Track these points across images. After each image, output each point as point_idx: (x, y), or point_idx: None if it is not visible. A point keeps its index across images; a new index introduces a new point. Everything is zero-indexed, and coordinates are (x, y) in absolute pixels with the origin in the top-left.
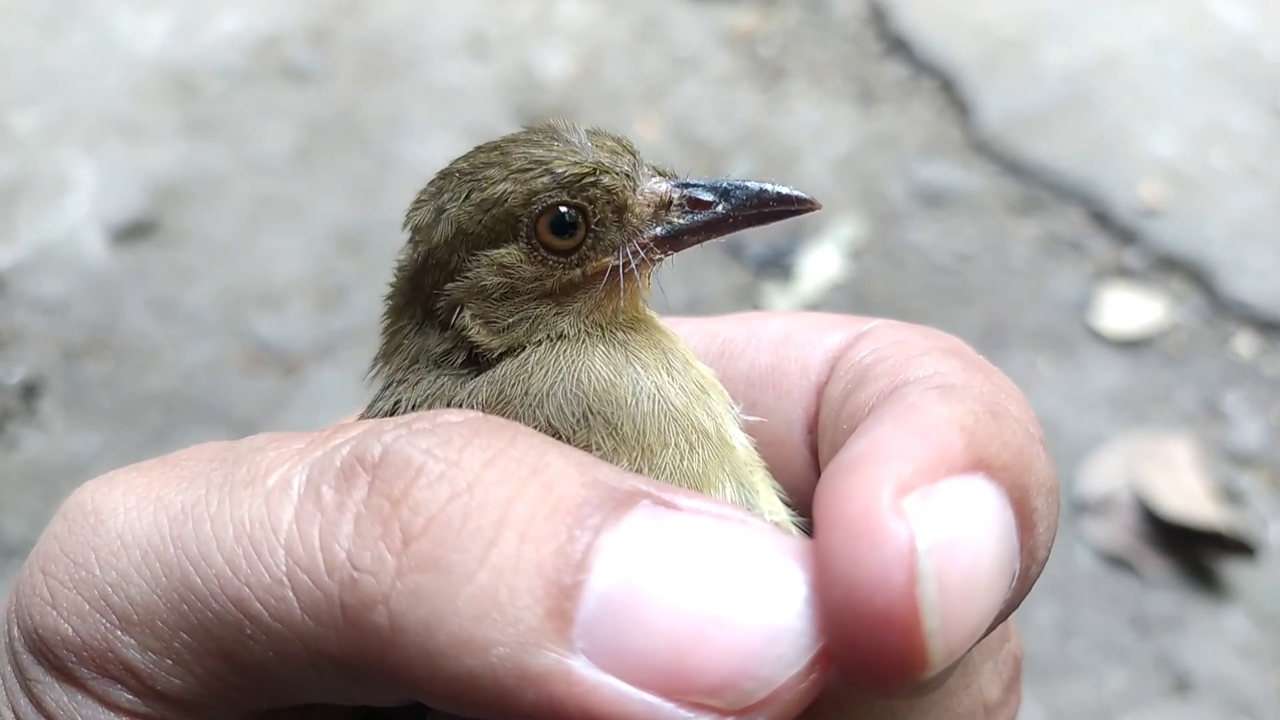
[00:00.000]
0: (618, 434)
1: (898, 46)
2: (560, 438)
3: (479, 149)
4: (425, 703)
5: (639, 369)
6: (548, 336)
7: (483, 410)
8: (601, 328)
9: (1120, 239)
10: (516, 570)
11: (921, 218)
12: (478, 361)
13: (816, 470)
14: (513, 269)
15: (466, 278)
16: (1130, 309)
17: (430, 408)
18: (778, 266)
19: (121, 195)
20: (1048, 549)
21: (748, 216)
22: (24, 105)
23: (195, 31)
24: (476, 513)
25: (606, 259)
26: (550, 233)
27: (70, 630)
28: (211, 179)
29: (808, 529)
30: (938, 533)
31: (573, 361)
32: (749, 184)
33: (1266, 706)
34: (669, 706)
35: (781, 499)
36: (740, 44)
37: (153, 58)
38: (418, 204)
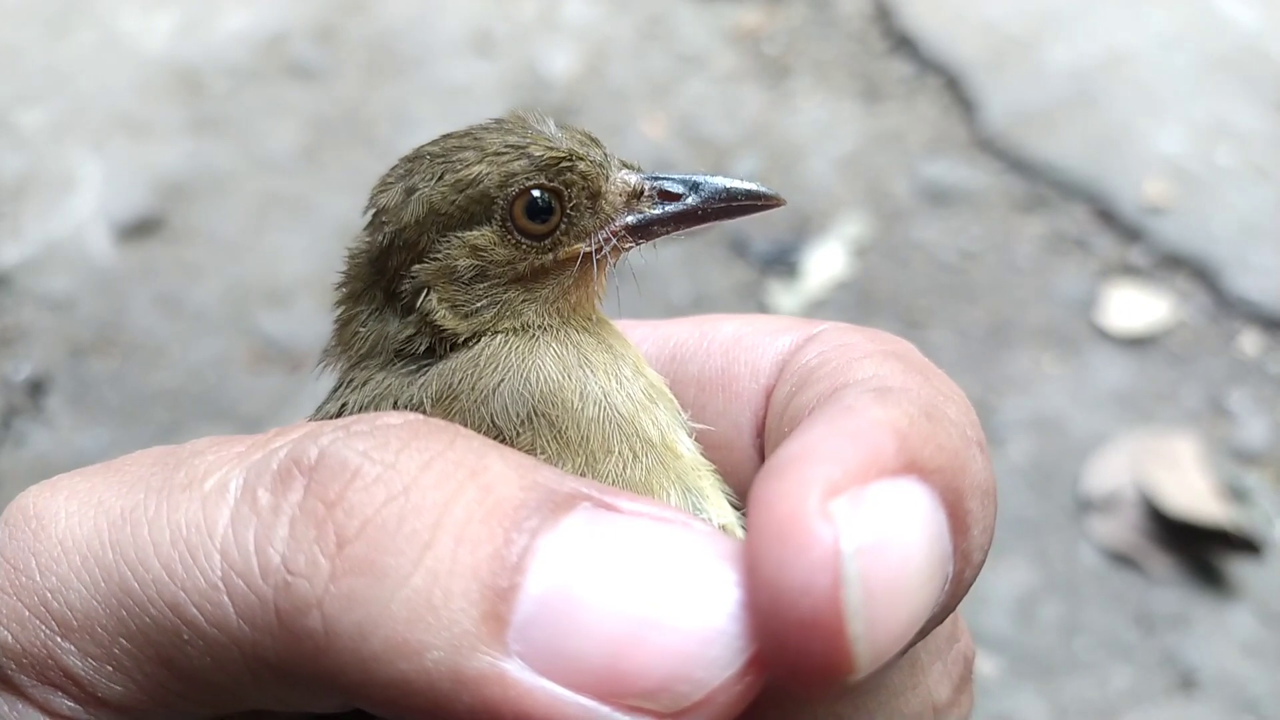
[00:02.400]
0: (561, 438)
1: (903, 44)
2: (504, 437)
3: (447, 135)
4: (362, 707)
5: (588, 372)
6: (511, 327)
7: (431, 404)
8: (562, 321)
9: (1125, 237)
10: (451, 573)
11: (926, 215)
12: (435, 350)
13: None
14: (485, 251)
15: (435, 259)
16: (1135, 307)
17: (377, 409)
18: (783, 264)
19: (128, 193)
20: (984, 551)
21: (716, 210)
22: (31, 103)
23: (201, 29)
24: (412, 515)
25: (579, 245)
26: (525, 216)
27: (9, 637)
28: (218, 177)
29: None
30: (864, 536)
31: (523, 359)
32: (716, 178)
33: (1271, 704)
34: (604, 710)
35: (731, 502)
36: (745, 42)
37: (159, 56)
38: (384, 186)
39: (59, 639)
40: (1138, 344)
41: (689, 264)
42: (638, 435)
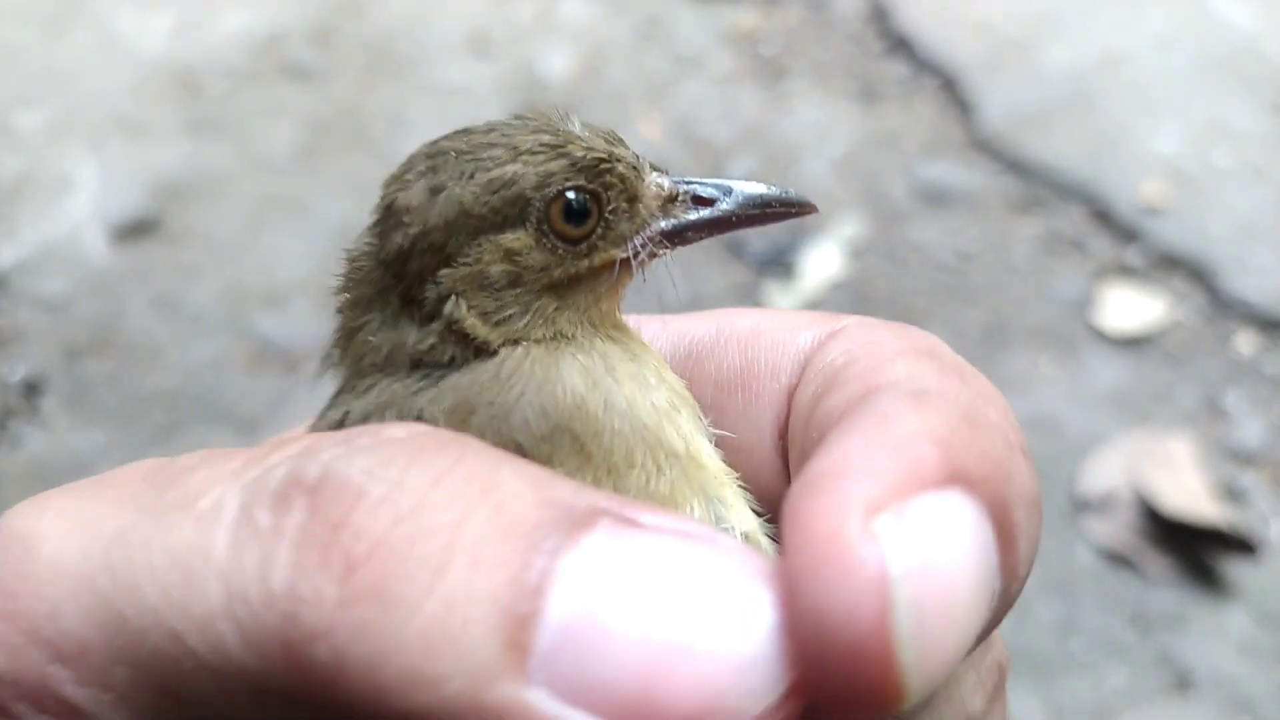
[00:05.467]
0: (583, 452)
1: (899, 45)
2: (524, 452)
3: (468, 131)
4: None
5: (613, 383)
6: (542, 335)
7: (445, 418)
8: (592, 329)
9: (1122, 237)
10: (468, 599)
11: (923, 216)
12: (455, 359)
13: (787, 477)
14: (520, 256)
15: (465, 264)
16: (1132, 307)
17: (382, 417)
18: (779, 265)
19: (124, 194)
20: (1029, 565)
21: (750, 216)
22: (27, 104)
23: (198, 31)
24: (423, 538)
25: (614, 250)
26: (562, 218)
27: (3, 663)
28: (214, 178)
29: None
30: (911, 556)
31: (547, 371)
32: (749, 184)
33: (1267, 704)
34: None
35: (753, 509)
36: (742, 43)
37: (156, 57)
38: (401, 183)
39: (55, 667)
40: (1134, 344)
41: (684, 264)
42: (662, 447)
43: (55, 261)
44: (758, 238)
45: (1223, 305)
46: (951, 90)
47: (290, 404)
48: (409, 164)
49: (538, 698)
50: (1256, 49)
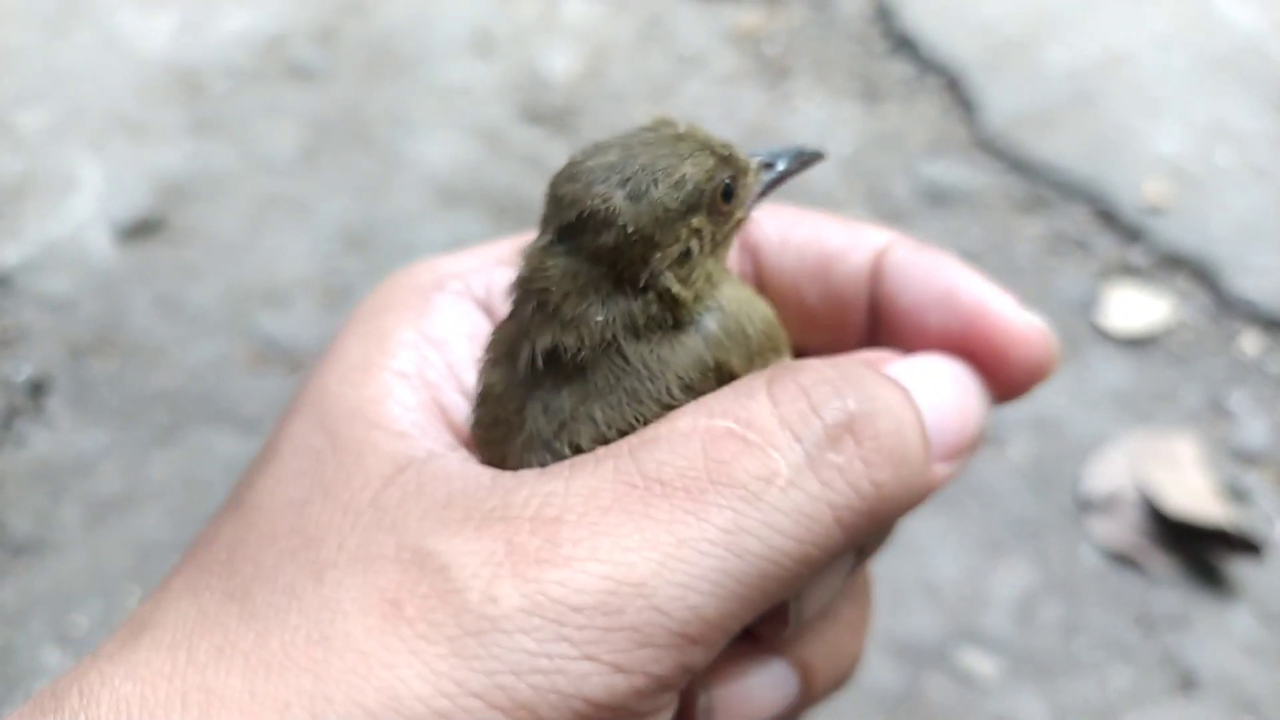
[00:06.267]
0: (779, 350)
1: (903, 45)
2: (755, 355)
3: (623, 146)
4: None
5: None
6: (712, 284)
7: (715, 347)
8: (725, 272)
9: (1125, 237)
10: (922, 446)
11: (926, 216)
12: (665, 321)
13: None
14: (701, 232)
15: (669, 247)
16: (1135, 307)
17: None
18: None
19: (128, 194)
20: None
21: (793, 170)
22: (30, 104)
23: (201, 31)
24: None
25: (740, 213)
26: (722, 199)
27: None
28: (217, 178)
29: None
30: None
31: (751, 301)
32: (784, 147)
33: (1272, 704)
34: (957, 463)
35: None
36: (745, 43)
37: (158, 57)
38: (593, 194)
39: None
40: (1138, 344)
41: None
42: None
43: (59, 261)
44: None
45: (1227, 305)
46: (955, 90)
47: None
48: (582, 177)
49: (938, 469)
50: (1259, 48)
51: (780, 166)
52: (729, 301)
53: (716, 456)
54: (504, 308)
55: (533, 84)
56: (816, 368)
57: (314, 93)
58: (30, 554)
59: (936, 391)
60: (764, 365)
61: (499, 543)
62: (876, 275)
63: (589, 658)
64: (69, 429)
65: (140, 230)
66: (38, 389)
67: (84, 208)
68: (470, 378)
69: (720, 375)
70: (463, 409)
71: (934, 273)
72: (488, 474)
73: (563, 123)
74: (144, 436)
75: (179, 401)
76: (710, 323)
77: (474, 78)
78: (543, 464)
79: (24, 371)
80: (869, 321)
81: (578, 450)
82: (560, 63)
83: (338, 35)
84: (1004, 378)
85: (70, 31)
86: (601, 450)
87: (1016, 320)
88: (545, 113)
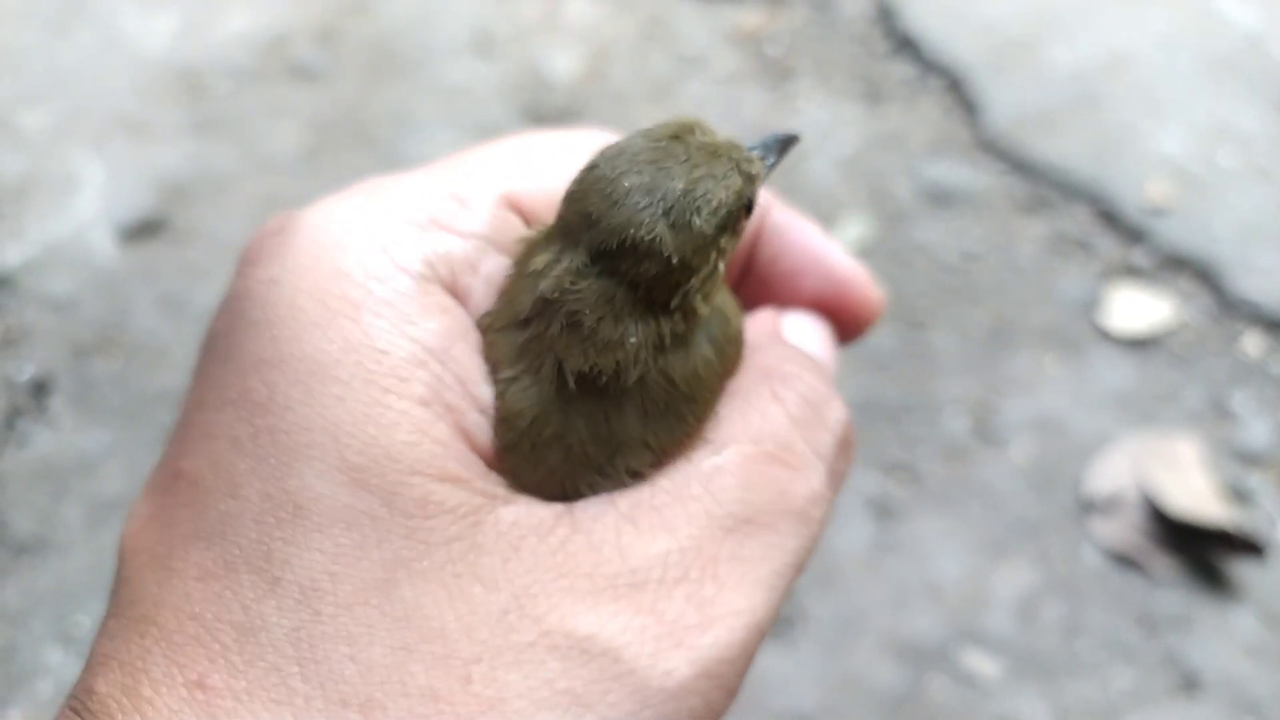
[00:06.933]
0: (739, 350)
1: (905, 46)
2: (731, 356)
3: (656, 162)
4: None
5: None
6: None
7: (720, 352)
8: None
9: (1128, 238)
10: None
11: (928, 217)
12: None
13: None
14: (726, 250)
15: (705, 268)
16: (1138, 308)
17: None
18: None
19: (130, 194)
20: None
21: (781, 157)
22: (32, 104)
23: (203, 31)
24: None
25: (749, 216)
26: (745, 214)
27: None
28: (219, 178)
29: None
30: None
31: (732, 308)
32: (764, 137)
33: (1274, 706)
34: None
35: None
36: (747, 43)
37: (160, 57)
38: (636, 225)
39: None
40: (1140, 345)
41: None
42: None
43: (61, 261)
44: None
45: (1229, 306)
46: (957, 91)
47: None
48: (620, 199)
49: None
50: (1262, 49)
51: (771, 159)
52: (718, 301)
53: (778, 487)
54: (477, 292)
55: (534, 84)
56: (800, 375)
57: (316, 93)
58: (33, 554)
59: (827, 357)
60: (735, 353)
61: (649, 616)
62: (758, 234)
63: (730, 692)
64: (71, 429)
65: (142, 230)
66: (40, 389)
67: (86, 208)
68: (478, 392)
69: (724, 375)
70: (484, 431)
71: (808, 239)
72: (565, 523)
73: (564, 123)
74: (147, 436)
75: (181, 401)
76: (712, 328)
77: (475, 78)
78: (592, 486)
79: (26, 371)
80: (740, 272)
81: (635, 475)
82: (562, 63)
83: (339, 36)
84: (849, 337)
85: (72, 32)
86: (665, 481)
87: (871, 291)
88: (547, 113)
